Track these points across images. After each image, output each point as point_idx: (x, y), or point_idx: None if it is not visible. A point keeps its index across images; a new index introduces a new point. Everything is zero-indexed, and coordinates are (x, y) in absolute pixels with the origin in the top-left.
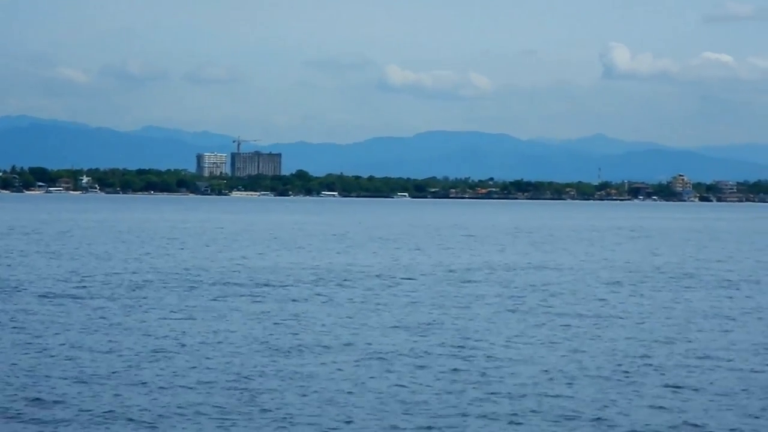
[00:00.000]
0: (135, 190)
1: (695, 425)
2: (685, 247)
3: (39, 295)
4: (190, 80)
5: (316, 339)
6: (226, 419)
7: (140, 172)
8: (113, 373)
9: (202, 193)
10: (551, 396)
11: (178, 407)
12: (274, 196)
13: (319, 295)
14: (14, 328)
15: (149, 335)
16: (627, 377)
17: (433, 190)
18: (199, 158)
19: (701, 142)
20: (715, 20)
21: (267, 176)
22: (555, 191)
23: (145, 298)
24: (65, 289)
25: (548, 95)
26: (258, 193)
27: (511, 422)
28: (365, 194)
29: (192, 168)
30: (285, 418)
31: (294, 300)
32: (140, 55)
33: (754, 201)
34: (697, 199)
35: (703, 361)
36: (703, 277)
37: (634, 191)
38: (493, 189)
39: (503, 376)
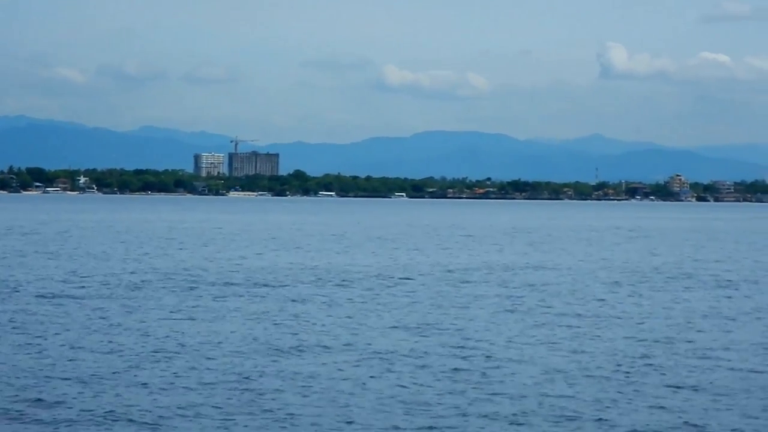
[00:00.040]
0: (132, 191)
1: (696, 425)
2: (684, 247)
3: (39, 296)
4: (187, 80)
5: (316, 339)
6: (227, 420)
7: (138, 172)
8: (114, 373)
9: (200, 194)
10: (551, 396)
11: (179, 408)
12: (272, 196)
13: (318, 295)
14: (14, 328)
15: (149, 335)
16: (627, 377)
17: (430, 190)
18: (197, 158)
19: (698, 142)
20: (713, 20)
21: (264, 176)
22: (552, 191)
23: (144, 298)
24: (65, 289)
25: (546, 95)
26: (255, 194)
27: (511, 422)
28: (363, 194)
29: (189, 168)
30: (286, 418)
31: (293, 300)
32: (138, 55)
33: (751, 201)
34: (694, 199)
35: (703, 361)
36: (702, 277)
37: (632, 191)
38: (491, 189)
39: (503, 376)
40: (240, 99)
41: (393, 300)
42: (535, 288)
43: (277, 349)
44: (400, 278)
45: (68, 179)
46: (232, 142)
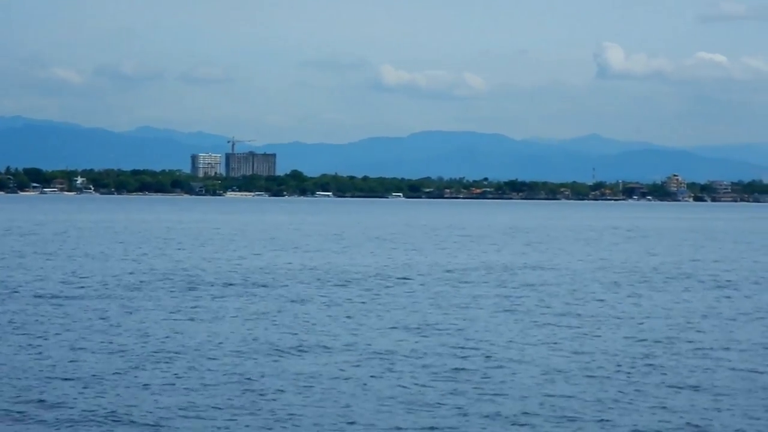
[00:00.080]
0: (129, 191)
1: (698, 426)
2: (683, 248)
3: (38, 297)
4: (184, 80)
5: (317, 339)
6: (229, 420)
7: (135, 172)
8: (115, 374)
9: (197, 194)
10: (552, 396)
11: (181, 409)
12: (269, 196)
13: (318, 295)
14: (15, 329)
15: (149, 336)
16: (628, 377)
17: (427, 190)
18: (194, 159)
19: (696, 142)
20: (710, 20)
21: (261, 176)
22: (550, 191)
23: (144, 299)
24: (64, 290)
25: (543, 95)
26: (252, 194)
27: (513, 423)
28: (360, 194)
29: (186, 168)
30: (287, 418)
31: (293, 301)
32: (135, 55)
33: (748, 201)
34: (691, 199)
35: (704, 361)
36: (702, 277)
37: (629, 191)
38: (488, 189)
39: (504, 376)
40: (237, 99)
41: (392, 300)
42: (534, 288)
43: (277, 350)
44: (400, 278)
45: (65, 180)
46: (229, 142)
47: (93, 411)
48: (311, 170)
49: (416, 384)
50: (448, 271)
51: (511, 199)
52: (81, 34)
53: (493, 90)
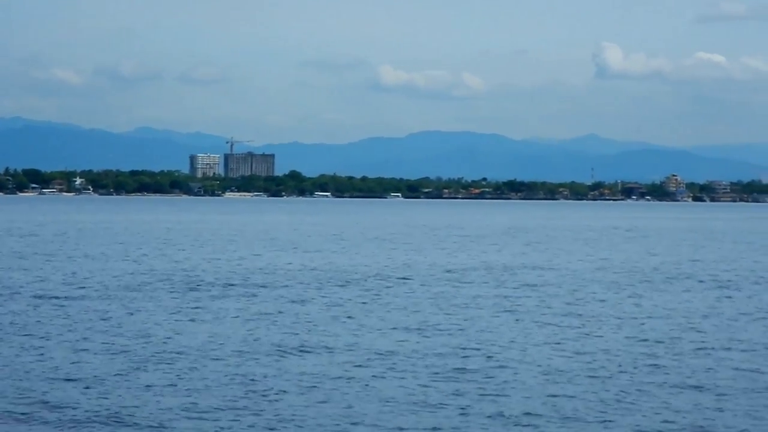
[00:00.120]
0: (128, 192)
1: (700, 426)
2: (682, 248)
3: (40, 298)
4: (182, 81)
5: (318, 340)
6: (232, 421)
7: (133, 173)
8: (117, 375)
9: (195, 194)
10: (554, 396)
11: (183, 409)
12: (267, 196)
13: (318, 296)
14: (16, 330)
15: (151, 337)
16: (630, 377)
17: (426, 190)
18: (192, 159)
19: (694, 142)
20: (709, 20)
21: (260, 177)
22: (548, 191)
23: (145, 299)
24: (65, 291)
25: (541, 95)
26: (251, 194)
27: (515, 423)
28: (358, 195)
29: (185, 169)
30: (289, 419)
31: (294, 301)
32: (133, 55)
33: (747, 201)
34: (690, 199)
35: (706, 362)
36: (702, 277)
37: (628, 191)
38: (486, 189)
39: (506, 376)
40: (235, 99)
41: (393, 300)
42: (534, 288)
43: (279, 350)
44: (400, 279)
45: (64, 180)
46: (227, 142)
47: (96, 412)
48: (310, 170)
49: (418, 384)
50: (448, 271)
51: (509, 199)
52: (80, 34)
53: (491, 90)
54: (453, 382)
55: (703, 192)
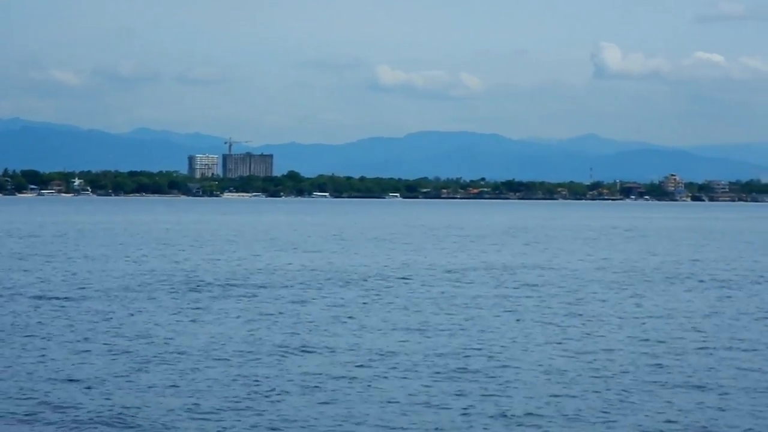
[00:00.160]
0: (127, 192)
1: (703, 426)
2: (682, 247)
3: (41, 299)
4: (181, 81)
5: (320, 340)
6: (234, 421)
7: (132, 174)
8: (120, 376)
9: (194, 195)
10: (556, 396)
11: (186, 410)
12: (266, 197)
13: (319, 296)
14: (18, 331)
15: (153, 338)
16: (631, 377)
17: (424, 190)
18: (191, 159)
19: (693, 141)
20: (707, 20)
21: (258, 177)
22: (547, 191)
23: (146, 300)
24: (66, 292)
25: (540, 95)
26: (249, 195)
27: (517, 423)
28: (357, 195)
29: (183, 169)
30: (292, 420)
31: (295, 301)
32: (131, 56)
33: (746, 201)
34: (689, 199)
35: (708, 361)
36: (702, 276)
37: (626, 191)
38: (485, 189)
39: (507, 376)
40: (233, 100)
41: (394, 300)
42: (535, 288)
43: (281, 351)
44: (400, 279)
45: (63, 181)
46: (226, 143)
47: (99, 413)
48: (308, 171)
49: (420, 384)
50: (448, 271)
51: (508, 199)
52: (78, 35)
53: (490, 90)
54: (455, 382)
55: (701, 192)
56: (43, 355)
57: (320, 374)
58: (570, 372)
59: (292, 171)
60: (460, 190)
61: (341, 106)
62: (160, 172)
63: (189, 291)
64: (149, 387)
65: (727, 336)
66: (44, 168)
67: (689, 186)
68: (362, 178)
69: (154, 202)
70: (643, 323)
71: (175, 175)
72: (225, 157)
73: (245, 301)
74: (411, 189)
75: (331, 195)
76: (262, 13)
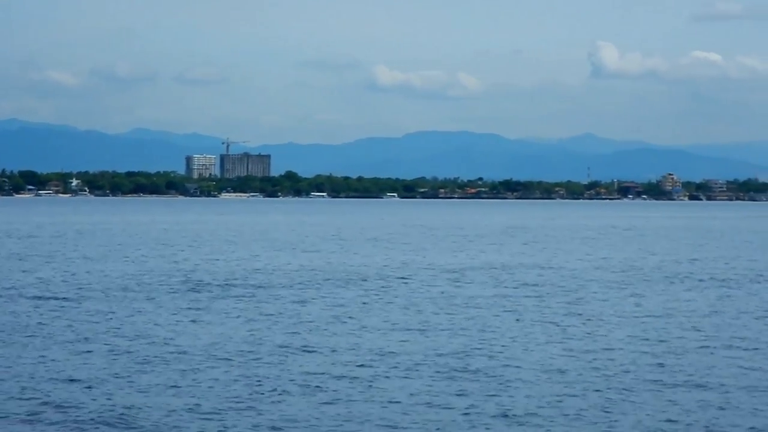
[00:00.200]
0: (124, 193)
1: (704, 425)
2: (681, 246)
3: (41, 299)
4: (178, 82)
5: (320, 340)
6: (235, 421)
7: (129, 174)
8: (121, 376)
9: (192, 195)
10: (557, 396)
11: (187, 411)
12: (263, 197)
13: (318, 296)
14: (19, 332)
15: (153, 338)
16: (632, 376)
17: (422, 190)
18: (188, 160)
19: (691, 140)
20: (705, 19)
21: (256, 177)
22: (544, 191)
23: (146, 301)
24: (66, 292)
25: (537, 95)
26: (247, 195)
27: (518, 423)
28: (354, 195)
29: (181, 170)
30: (293, 420)
31: (294, 301)
32: (129, 56)
33: (743, 200)
34: (686, 198)
35: (708, 360)
36: (702, 275)
37: (624, 190)
38: (483, 189)
39: (507, 376)
40: (231, 100)
41: (394, 300)
42: (535, 288)
43: (281, 351)
44: (400, 278)
45: (60, 182)
46: (223, 143)
47: (100, 413)
48: (306, 171)
49: (421, 384)
50: (447, 271)
51: (505, 198)
52: (76, 36)
53: (487, 90)
54: (455, 381)
55: (699, 191)
56: (44, 356)
57: (321, 374)
58: (571, 371)
59: (290, 171)
60: (457, 190)
61: (339, 106)
62: (158, 172)
63: (189, 291)
64: (150, 387)
65: (727, 335)
66: (42, 168)
67: (687, 185)
68: (360, 178)
69: (151, 202)
70: (643, 322)
71: (172, 175)
72: (223, 158)
73: (245, 301)
74: (409, 189)
75: (329, 195)
76: (261, 13)
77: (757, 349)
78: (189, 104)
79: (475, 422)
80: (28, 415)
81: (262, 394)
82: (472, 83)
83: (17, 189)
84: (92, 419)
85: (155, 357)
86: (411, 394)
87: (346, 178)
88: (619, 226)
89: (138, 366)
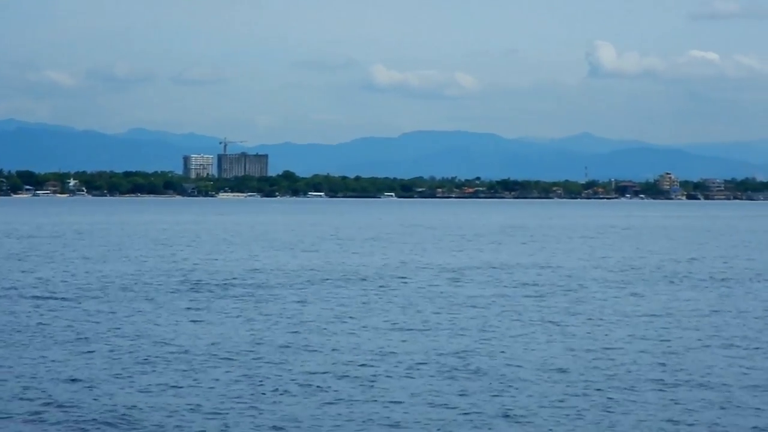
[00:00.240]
0: (122, 193)
1: (704, 424)
2: (680, 245)
3: (41, 299)
4: (176, 82)
5: (321, 340)
6: (236, 421)
7: (127, 174)
8: (122, 376)
9: (189, 195)
10: (557, 395)
11: (189, 411)
12: (261, 197)
13: (318, 296)
14: (20, 332)
15: (154, 338)
16: (633, 376)
17: (419, 189)
18: (186, 160)
19: (688, 140)
20: (702, 18)
21: (254, 177)
22: (542, 190)
23: (146, 301)
24: (66, 293)
25: (534, 94)
26: (244, 195)
27: (517, 422)
28: (352, 194)
29: (179, 170)
30: (294, 419)
31: (295, 301)
32: (127, 57)
33: (741, 199)
34: (684, 197)
35: (709, 359)
36: (702, 275)
37: (621, 190)
38: (480, 188)
39: (508, 375)
40: (228, 100)
41: (394, 300)
42: (534, 287)
43: (282, 351)
44: (399, 278)
45: (58, 182)
46: (221, 143)
47: (102, 413)
48: (303, 171)
49: (422, 384)
50: (447, 270)
51: (503, 198)
52: (73, 36)
53: (484, 89)
54: (456, 381)
55: (696, 190)
56: (46, 356)
57: (322, 374)
58: (572, 371)
59: (287, 171)
60: (455, 190)
61: (336, 106)
62: (155, 172)
63: (189, 291)
64: (152, 387)
65: (727, 334)
66: (39, 169)
67: (684, 184)
68: (357, 178)
69: (149, 202)
70: (644, 322)
71: (170, 175)
72: (220, 158)
73: (245, 300)
74: (406, 188)
75: (327, 195)
76: (257, 13)
77: (758, 348)
78: (186, 104)
79: (476, 422)
80: (31, 415)
81: (264, 393)
82: (470, 83)
83: (15, 189)
84: (94, 419)
85: (156, 357)
86: (412, 394)
87: (344, 178)
88: (617, 226)
89: (139, 366)
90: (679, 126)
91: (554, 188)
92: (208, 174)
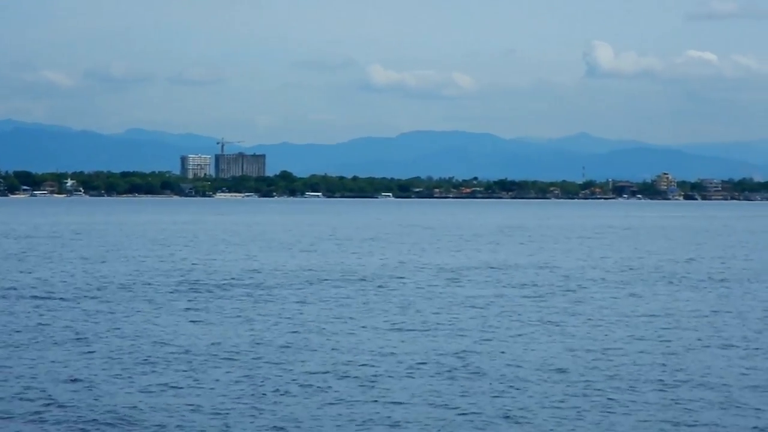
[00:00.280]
0: (119, 193)
1: (705, 424)
2: (679, 246)
3: (41, 299)
4: (173, 82)
5: (321, 340)
6: (236, 421)
7: (124, 174)
8: (122, 376)
9: (186, 195)
10: (557, 395)
11: (190, 410)
12: (258, 197)
13: (318, 296)
14: (20, 332)
15: (154, 338)
16: (632, 375)
17: (417, 190)
18: (184, 160)
19: (685, 140)
20: (699, 18)
21: (251, 177)
22: (539, 190)
23: (146, 300)
24: (66, 293)
25: (532, 94)
26: (242, 195)
27: (516, 422)
28: (349, 195)
29: (176, 170)
30: (295, 419)
31: (294, 301)
32: (124, 57)
33: (738, 199)
34: (681, 198)
35: (709, 359)
36: (701, 275)
37: (619, 190)
38: (478, 188)
39: (508, 375)
40: (226, 100)
41: (393, 300)
42: (534, 287)
43: (282, 351)
44: (398, 278)
45: (55, 182)
46: (218, 143)
47: (102, 412)
48: (301, 171)
49: (422, 384)
50: (445, 270)
51: (500, 198)
52: (70, 36)
53: (482, 89)
54: (456, 381)
55: (694, 190)
56: (46, 356)
57: (323, 374)
58: (571, 371)
59: (285, 171)
60: (452, 190)
61: (334, 106)
62: (153, 172)
63: (188, 291)
64: (152, 387)
65: (727, 334)
66: (36, 169)
67: (682, 185)
68: (355, 178)
69: (146, 202)
70: (643, 322)
71: (167, 175)
72: (218, 158)
73: (244, 301)
74: (404, 189)
75: (324, 195)
76: (256, 13)
77: (757, 348)
78: (184, 104)
79: (476, 422)
80: (32, 415)
81: (264, 394)
82: (467, 83)
83: (12, 189)
84: (95, 419)
85: (156, 357)
86: (412, 394)
87: (341, 178)
88: (615, 226)
89: (139, 366)
90: (677, 126)
91: (552, 188)
92: (205, 174)
